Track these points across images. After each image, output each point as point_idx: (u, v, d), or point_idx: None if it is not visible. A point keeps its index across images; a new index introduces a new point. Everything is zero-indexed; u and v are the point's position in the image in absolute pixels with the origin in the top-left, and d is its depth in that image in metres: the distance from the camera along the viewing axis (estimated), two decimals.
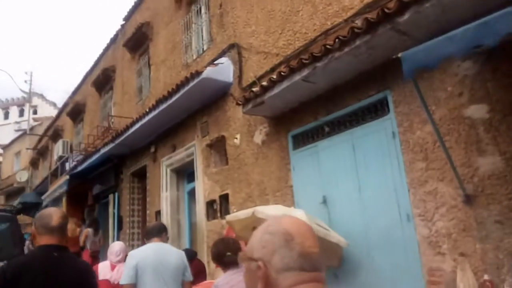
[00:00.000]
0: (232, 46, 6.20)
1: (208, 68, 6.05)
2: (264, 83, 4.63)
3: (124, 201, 9.22)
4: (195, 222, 7.42)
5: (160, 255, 3.10)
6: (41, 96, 36.52)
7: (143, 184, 9.18)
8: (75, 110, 13.42)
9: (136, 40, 9.68)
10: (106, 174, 9.82)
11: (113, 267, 4.09)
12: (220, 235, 5.24)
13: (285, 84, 4.37)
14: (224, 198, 6.06)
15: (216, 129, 6.40)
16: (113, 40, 11.36)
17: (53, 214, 2.18)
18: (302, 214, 3.83)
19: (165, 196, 7.56)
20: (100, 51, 12.12)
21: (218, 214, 6.07)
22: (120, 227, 9.06)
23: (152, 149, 8.20)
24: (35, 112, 31.20)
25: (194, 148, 6.85)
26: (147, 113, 7.41)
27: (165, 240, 3.42)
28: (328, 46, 3.83)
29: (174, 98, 6.61)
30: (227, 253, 2.72)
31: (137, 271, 2.99)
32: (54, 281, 1.99)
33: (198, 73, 5.99)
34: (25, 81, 19.49)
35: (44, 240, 2.08)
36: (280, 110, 4.99)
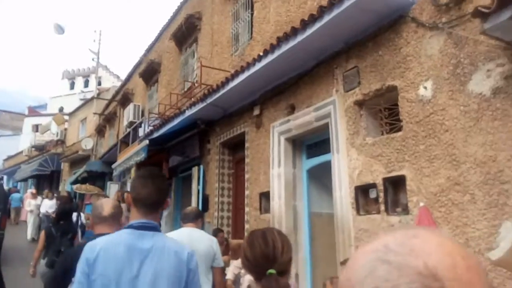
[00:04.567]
0: None
1: None
2: None
3: (212, 177, 7.40)
4: (320, 212, 5.41)
5: (191, 241, 2.92)
6: (106, 68, 36.48)
7: (235, 157, 7.31)
8: (148, 70, 11.79)
9: None
10: (189, 143, 8.05)
11: None
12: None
13: None
14: (393, 182, 3.92)
15: (377, 77, 4.22)
16: None
17: (104, 204, 2.44)
18: None
19: (277, 174, 5.57)
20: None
21: (382, 207, 3.94)
22: (205, 208, 7.28)
23: (256, 111, 6.23)
24: (99, 84, 30.96)
25: (332, 108, 4.73)
26: (259, 59, 5.40)
27: (200, 225, 3.51)
28: None
29: (308, 32, 4.52)
30: (268, 271, 1.33)
31: None
32: None
33: None
34: (94, 40, 18.34)
35: (98, 229, 2.30)
36: None
